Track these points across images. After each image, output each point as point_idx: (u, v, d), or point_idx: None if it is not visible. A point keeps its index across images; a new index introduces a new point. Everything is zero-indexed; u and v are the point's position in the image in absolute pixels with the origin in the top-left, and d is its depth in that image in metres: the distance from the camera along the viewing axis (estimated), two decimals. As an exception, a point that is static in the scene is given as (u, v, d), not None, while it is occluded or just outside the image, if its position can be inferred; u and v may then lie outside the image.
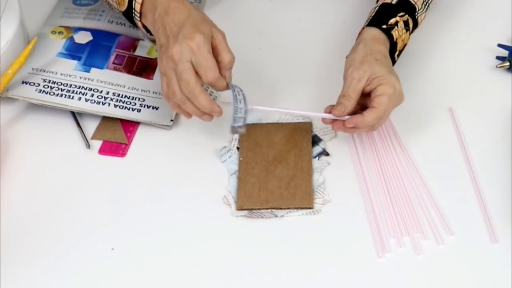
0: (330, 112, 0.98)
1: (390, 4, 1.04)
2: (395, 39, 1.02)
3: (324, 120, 0.99)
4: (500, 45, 1.12)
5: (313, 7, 1.23)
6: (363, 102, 0.98)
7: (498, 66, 1.10)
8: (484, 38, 1.15)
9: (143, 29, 1.04)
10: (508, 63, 1.10)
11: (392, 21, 1.02)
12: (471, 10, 1.20)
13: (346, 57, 1.02)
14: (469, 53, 1.14)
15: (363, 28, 1.03)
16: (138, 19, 1.02)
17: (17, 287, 0.91)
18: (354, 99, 0.97)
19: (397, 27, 1.02)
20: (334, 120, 0.98)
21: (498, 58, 1.12)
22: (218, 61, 0.96)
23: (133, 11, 1.02)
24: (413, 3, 1.05)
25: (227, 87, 0.97)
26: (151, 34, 1.02)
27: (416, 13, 1.05)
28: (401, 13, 1.03)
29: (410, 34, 1.05)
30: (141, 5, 1.01)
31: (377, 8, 1.04)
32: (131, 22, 1.04)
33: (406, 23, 1.03)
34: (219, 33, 0.97)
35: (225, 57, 0.97)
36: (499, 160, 0.99)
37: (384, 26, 1.01)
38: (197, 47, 0.93)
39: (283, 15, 1.23)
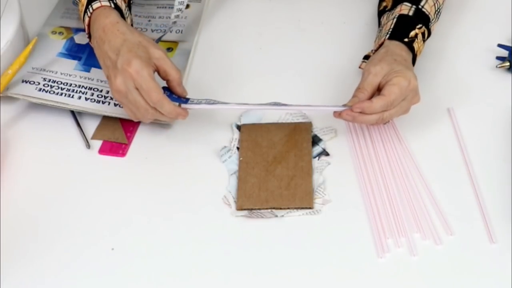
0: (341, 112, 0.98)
1: (407, 16, 1.05)
2: (415, 52, 1.03)
3: (335, 113, 0.99)
4: (500, 45, 1.12)
5: (313, 7, 1.23)
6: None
7: (498, 66, 1.10)
8: (484, 38, 1.15)
9: None
10: (508, 63, 1.10)
11: (412, 34, 1.03)
12: (471, 10, 1.20)
13: (360, 67, 1.05)
14: (469, 53, 1.14)
15: (384, 40, 1.03)
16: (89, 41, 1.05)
17: (17, 287, 0.91)
18: (368, 92, 0.97)
19: (417, 39, 1.03)
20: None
21: (498, 58, 1.12)
22: (167, 80, 0.99)
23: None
24: (427, 13, 1.06)
25: (178, 106, 0.98)
26: None
27: (430, 23, 1.06)
28: (419, 25, 1.04)
29: (424, 44, 1.06)
30: (88, 26, 1.03)
31: (395, 20, 1.05)
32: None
33: (423, 35, 1.05)
34: (158, 51, 0.98)
35: (172, 74, 0.98)
36: (498, 160, 1.00)
37: (406, 40, 1.02)
38: (136, 73, 0.95)
39: (283, 15, 1.23)
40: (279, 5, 1.24)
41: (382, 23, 1.09)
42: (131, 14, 1.08)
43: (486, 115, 1.06)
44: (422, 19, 1.05)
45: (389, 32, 1.03)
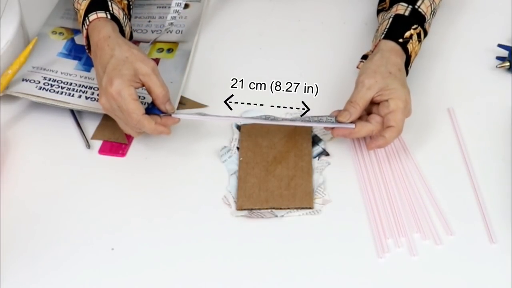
0: (335, 116, 0.99)
1: (403, 16, 1.05)
2: (409, 53, 1.03)
3: (326, 128, 1.00)
4: (500, 45, 1.12)
5: (313, 7, 1.23)
6: (369, 109, 0.99)
7: (498, 66, 1.10)
8: (484, 38, 1.15)
9: None
10: (508, 63, 1.10)
11: (407, 34, 1.03)
12: (471, 10, 1.20)
13: (357, 67, 1.04)
14: (469, 53, 1.14)
15: (380, 40, 1.03)
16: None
17: (17, 287, 0.91)
18: (360, 107, 0.97)
19: (412, 40, 1.03)
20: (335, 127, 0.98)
21: (498, 58, 1.12)
22: (152, 98, 0.99)
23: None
24: (423, 13, 1.05)
25: (159, 124, 0.98)
26: None
27: (425, 23, 1.06)
28: (414, 26, 1.04)
29: (420, 44, 1.06)
30: (86, 38, 1.03)
31: (390, 20, 1.05)
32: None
33: (418, 35, 1.04)
34: (146, 67, 0.97)
35: (156, 92, 0.98)
36: (498, 160, 1.00)
37: (401, 40, 1.02)
38: (116, 93, 0.95)
39: (283, 15, 1.23)
40: (279, 5, 1.24)
41: (379, 22, 1.09)
42: (130, 21, 1.08)
43: (486, 115, 1.06)
44: (418, 19, 1.05)
45: (385, 32, 1.03)
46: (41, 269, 0.92)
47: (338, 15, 1.22)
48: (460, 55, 1.14)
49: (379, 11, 1.13)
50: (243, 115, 1.07)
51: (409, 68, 1.03)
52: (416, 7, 1.05)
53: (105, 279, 0.91)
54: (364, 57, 1.08)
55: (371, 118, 0.98)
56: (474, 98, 1.08)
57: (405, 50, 1.02)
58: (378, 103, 0.98)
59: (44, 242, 0.94)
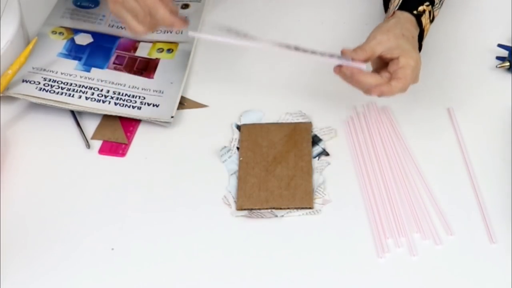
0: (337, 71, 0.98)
1: None
2: (423, 26, 1.03)
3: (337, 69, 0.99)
4: (500, 45, 1.12)
5: (313, 7, 1.23)
6: (379, 67, 0.99)
7: (498, 66, 1.10)
8: (484, 38, 1.15)
9: None
10: (508, 63, 1.10)
11: (421, 8, 1.03)
12: (471, 10, 1.20)
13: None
14: (469, 53, 1.14)
15: (394, 12, 1.03)
16: None
17: (17, 287, 0.91)
18: (366, 55, 0.97)
19: (425, 14, 1.03)
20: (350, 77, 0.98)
21: (498, 58, 1.12)
22: None
23: None
24: None
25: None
26: None
27: (434, 7, 1.06)
28: (427, 3, 1.04)
29: (430, 26, 1.06)
30: None
31: None
32: None
33: (430, 13, 1.04)
34: None
35: None
36: (498, 160, 1.00)
37: (415, 12, 1.02)
38: None
39: (283, 15, 1.23)
40: (279, 5, 1.24)
41: (390, 2, 1.08)
42: None
43: (486, 115, 1.05)
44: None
45: (399, 4, 1.03)
46: (41, 269, 0.92)
47: (338, 15, 1.22)
48: (460, 55, 1.14)
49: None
50: (243, 115, 1.07)
51: (422, 42, 1.03)
52: None
53: (105, 279, 0.91)
54: None
55: (381, 73, 0.97)
56: (474, 98, 1.08)
57: (419, 23, 1.02)
58: (387, 63, 0.97)
59: (44, 242, 0.94)
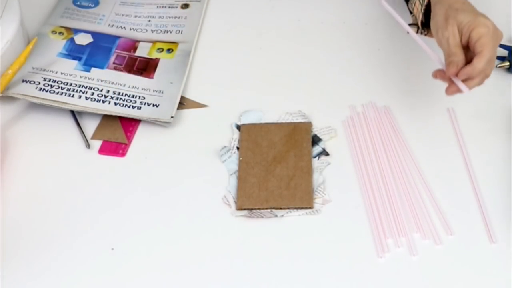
0: (437, 76, 0.95)
1: None
2: None
3: (436, 73, 0.96)
4: (500, 45, 1.12)
5: (313, 7, 1.23)
6: (469, 57, 0.94)
7: (498, 66, 1.10)
8: (484, 38, 1.15)
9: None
10: (508, 63, 1.10)
11: None
12: (471, 10, 1.20)
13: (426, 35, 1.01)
14: (469, 53, 1.14)
15: None
16: None
17: (17, 287, 0.91)
18: (460, 53, 0.93)
19: None
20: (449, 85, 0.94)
21: (498, 58, 1.11)
22: None
23: None
24: None
25: None
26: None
27: None
28: None
29: None
30: None
31: None
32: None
33: None
34: None
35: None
36: (498, 160, 1.00)
37: None
38: None
39: (283, 15, 1.23)
40: (279, 5, 1.24)
41: None
42: None
43: (486, 115, 1.05)
44: None
45: None
46: (40, 269, 0.92)
47: (338, 15, 1.22)
48: (460, 55, 1.13)
49: None
50: (242, 115, 1.07)
51: None
52: None
53: (105, 279, 0.91)
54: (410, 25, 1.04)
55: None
56: (474, 98, 1.07)
57: None
58: (468, 48, 0.94)
59: (44, 241, 0.94)
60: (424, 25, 1.03)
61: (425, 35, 1.04)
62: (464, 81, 0.93)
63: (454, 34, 0.94)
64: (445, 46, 0.95)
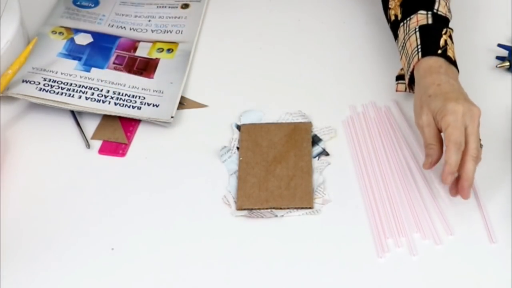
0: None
1: (428, 25, 1.00)
2: (453, 59, 0.99)
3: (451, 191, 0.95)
4: (500, 45, 1.12)
5: (313, 7, 1.23)
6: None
7: (498, 66, 1.10)
8: (484, 38, 1.15)
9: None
10: (508, 63, 1.10)
11: (442, 42, 0.99)
12: (471, 10, 1.20)
13: (396, 90, 1.04)
14: (469, 53, 1.14)
15: (419, 60, 0.98)
16: None
17: (17, 287, 0.91)
18: (436, 145, 0.93)
19: (448, 45, 0.99)
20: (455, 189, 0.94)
21: (498, 58, 1.12)
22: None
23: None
24: (444, 15, 1.02)
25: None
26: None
27: (449, 22, 1.03)
28: (444, 30, 1.00)
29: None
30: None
31: (417, 33, 1.00)
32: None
33: (450, 36, 1.01)
34: None
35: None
36: (498, 160, 0.99)
37: (440, 51, 0.98)
38: None
39: (283, 15, 1.23)
40: (279, 5, 1.24)
41: (401, 37, 1.04)
42: None
43: (486, 115, 1.05)
44: (442, 22, 1.01)
45: (419, 50, 0.99)
46: (40, 269, 0.92)
47: (338, 15, 1.22)
48: (460, 55, 1.13)
49: (393, 24, 1.07)
50: (243, 115, 1.07)
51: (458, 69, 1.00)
52: (435, 11, 1.01)
53: (105, 279, 0.91)
54: (398, 77, 1.06)
55: None
56: (474, 98, 1.07)
57: (447, 58, 0.98)
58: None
59: (44, 242, 0.94)
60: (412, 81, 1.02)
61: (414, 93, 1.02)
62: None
63: (429, 123, 0.93)
64: (422, 135, 0.95)
